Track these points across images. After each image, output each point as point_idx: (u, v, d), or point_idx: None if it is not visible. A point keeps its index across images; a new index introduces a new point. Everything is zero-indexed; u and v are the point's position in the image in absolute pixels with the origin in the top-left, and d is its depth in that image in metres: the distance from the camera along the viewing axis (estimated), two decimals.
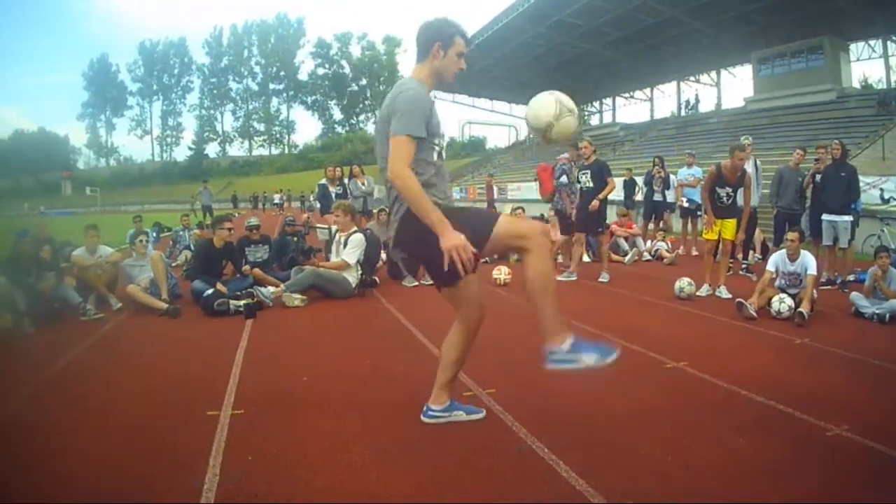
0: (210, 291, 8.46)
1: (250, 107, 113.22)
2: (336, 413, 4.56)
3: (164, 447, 3.97)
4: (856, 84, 36.73)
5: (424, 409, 4.23)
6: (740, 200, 9.53)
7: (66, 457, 3.86)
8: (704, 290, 9.42)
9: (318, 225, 11.14)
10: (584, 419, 4.33)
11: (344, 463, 3.69)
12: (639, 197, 17.57)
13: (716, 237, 9.46)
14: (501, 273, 10.43)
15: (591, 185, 10.64)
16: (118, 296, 8.96)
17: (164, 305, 8.43)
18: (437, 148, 3.81)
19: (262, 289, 8.92)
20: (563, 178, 10.88)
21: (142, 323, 8.07)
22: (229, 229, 9.56)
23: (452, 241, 3.39)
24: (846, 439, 4.00)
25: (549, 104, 3.85)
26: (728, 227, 9.36)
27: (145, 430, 4.26)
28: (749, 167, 11.06)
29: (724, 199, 9.31)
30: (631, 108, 54.58)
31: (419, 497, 3.33)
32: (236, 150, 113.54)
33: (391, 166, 3.57)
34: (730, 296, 9.01)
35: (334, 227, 9.98)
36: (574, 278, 10.84)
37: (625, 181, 17.51)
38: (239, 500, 3.29)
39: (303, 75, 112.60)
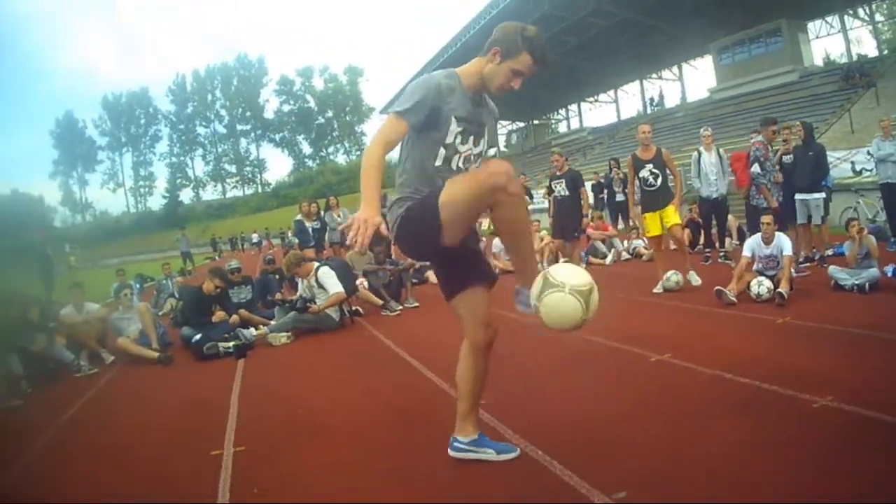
0: (198, 336, 8.45)
1: (220, 150, 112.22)
2: (333, 441, 4.60)
3: (172, 490, 4.02)
4: (818, 62, 37.03)
5: (451, 440, 3.79)
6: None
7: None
8: (661, 287, 9.36)
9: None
10: (573, 418, 4.37)
11: (345, 488, 3.73)
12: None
13: (660, 231, 9.39)
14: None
15: (567, 193, 10.79)
16: (109, 349, 8.93)
17: (156, 354, 8.42)
18: (442, 151, 3.38)
19: (245, 331, 8.87)
20: (756, 168, 9.79)
21: (136, 373, 8.07)
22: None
23: (364, 213, 2.96)
24: (832, 409, 4.06)
25: (572, 310, 3.32)
26: (668, 214, 9.25)
27: (152, 476, 4.31)
28: (713, 157, 11.20)
29: (651, 179, 9.24)
30: (597, 112, 54.65)
31: (408, 497, 3.48)
32: (210, 194, 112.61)
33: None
34: (699, 282, 9.19)
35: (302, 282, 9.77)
36: None
37: (592, 185, 17.62)
38: None
39: (269, 113, 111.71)
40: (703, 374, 5.17)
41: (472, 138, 3.44)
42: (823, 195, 10.47)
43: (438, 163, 3.38)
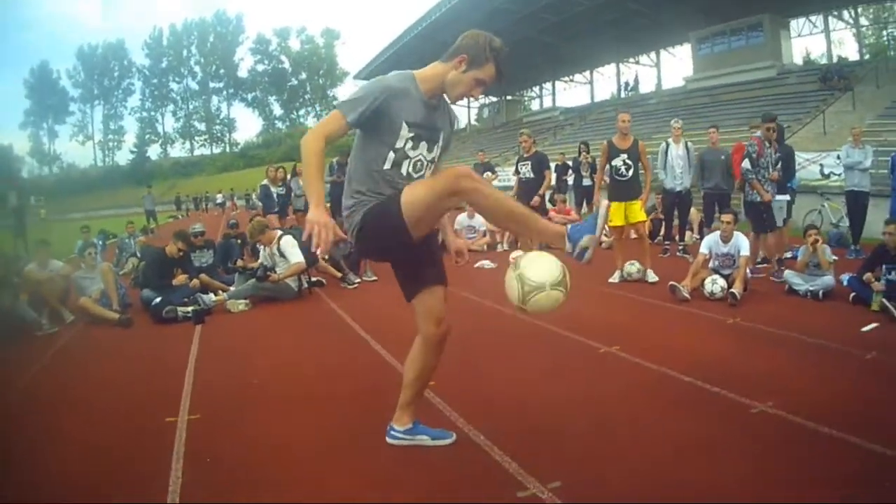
0: (158, 300, 8.45)
1: (191, 107, 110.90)
2: (286, 411, 4.71)
3: (127, 455, 4.06)
4: (798, 60, 37.16)
5: (388, 428, 3.91)
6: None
7: (32, 471, 3.94)
8: (617, 276, 9.47)
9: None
10: (519, 405, 4.45)
11: (295, 461, 3.83)
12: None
13: (623, 222, 9.36)
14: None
15: (532, 175, 10.86)
16: (70, 308, 8.86)
17: (116, 316, 8.38)
18: (391, 155, 3.32)
19: (204, 296, 8.92)
20: (746, 164, 9.43)
21: (95, 334, 8.04)
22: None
23: (316, 217, 3.03)
24: (770, 415, 4.16)
25: (557, 302, 3.30)
26: (634, 210, 9.26)
27: (108, 440, 4.33)
28: (680, 150, 11.24)
29: (623, 169, 9.19)
30: (571, 92, 54.65)
31: (354, 473, 3.60)
32: (178, 150, 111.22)
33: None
34: (656, 279, 9.15)
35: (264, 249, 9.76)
36: None
37: (556, 166, 17.50)
38: (202, 502, 3.41)
39: (242, 72, 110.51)
40: (649, 369, 5.25)
41: (424, 144, 3.40)
42: (788, 198, 10.55)
43: (386, 166, 3.33)
